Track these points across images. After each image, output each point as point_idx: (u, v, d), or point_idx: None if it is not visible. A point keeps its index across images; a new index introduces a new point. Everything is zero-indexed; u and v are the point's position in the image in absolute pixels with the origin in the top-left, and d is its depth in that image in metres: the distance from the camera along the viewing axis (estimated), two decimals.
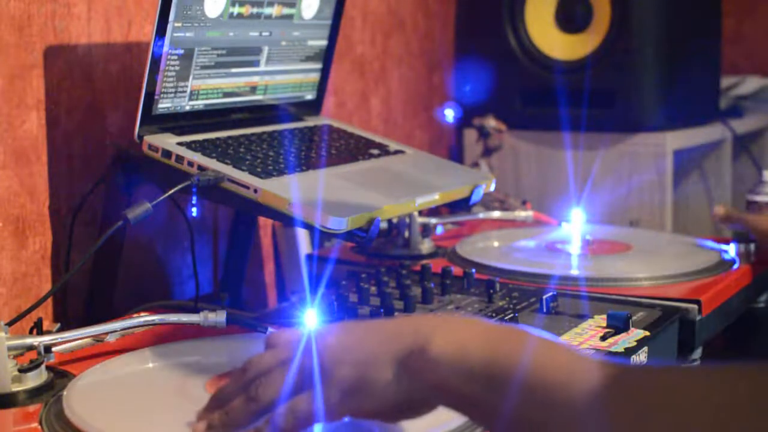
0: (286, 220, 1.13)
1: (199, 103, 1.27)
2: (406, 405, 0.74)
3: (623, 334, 1.04)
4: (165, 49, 1.17)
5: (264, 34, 1.32)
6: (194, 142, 1.20)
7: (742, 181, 2.16)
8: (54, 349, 0.98)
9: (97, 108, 1.31)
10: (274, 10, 1.31)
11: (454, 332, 0.73)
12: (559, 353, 0.71)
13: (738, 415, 0.62)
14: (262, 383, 0.75)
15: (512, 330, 0.73)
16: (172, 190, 1.11)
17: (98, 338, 1.04)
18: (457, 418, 0.78)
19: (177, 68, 1.21)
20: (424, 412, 0.75)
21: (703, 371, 0.69)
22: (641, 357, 1.02)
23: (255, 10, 1.28)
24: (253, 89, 1.34)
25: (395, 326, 0.76)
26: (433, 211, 1.65)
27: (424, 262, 1.32)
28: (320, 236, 1.50)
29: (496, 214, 1.59)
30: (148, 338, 1.05)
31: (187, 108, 1.25)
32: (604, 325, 1.06)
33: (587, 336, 1.04)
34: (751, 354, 1.40)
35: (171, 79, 1.20)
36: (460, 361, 0.71)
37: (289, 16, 1.34)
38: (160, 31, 1.16)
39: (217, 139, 1.24)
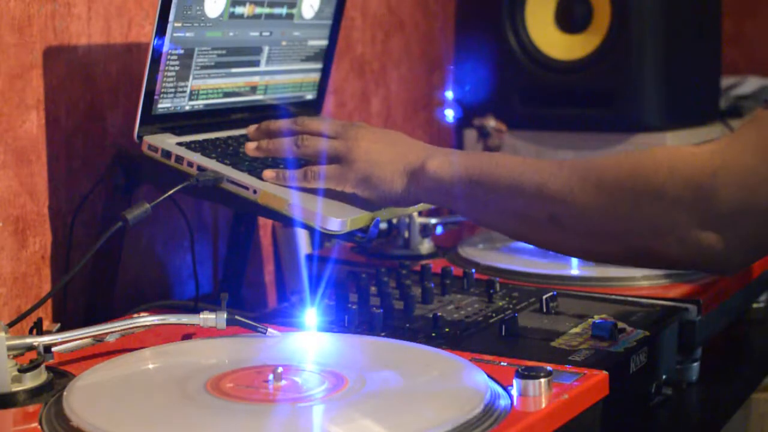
0: (285, 221, 1.13)
1: (199, 103, 1.27)
2: (400, 201, 1.09)
3: (623, 335, 1.04)
4: (165, 49, 1.17)
5: (264, 34, 1.32)
6: (194, 142, 1.20)
7: None
8: (54, 349, 0.98)
9: (97, 108, 1.31)
10: (275, 10, 1.31)
11: (443, 156, 1.06)
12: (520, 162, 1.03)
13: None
14: (307, 139, 1.13)
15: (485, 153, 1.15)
16: (172, 191, 1.11)
17: (98, 338, 1.04)
18: (457, 418, 0.78)
19: (177, 68, 1.21)
20: (408, 205, 1.11)
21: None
22: (641, 357, 1.02)
23: (255, 10, 1.28)
24: (254, 89, 1.34)
25: (408, 148, 1.09)
26: (433, 211, 1.65)
27: (424, 262, 1.32)
28: (320, 237, 1.50)
29: None
30: (148, 338, 1.05)
31: (187, 108, 1.25)
32: None
33: (587, 336, 1.04)
34: (750, 354, 1.40)
35: (171, 79, 1.20)
36: (452, 173, 1.04)
37: (290, 16, 1.35)
38: (160, 31, 1.16)
39: (217, 139, 1.24)
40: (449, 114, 1.94)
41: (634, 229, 0.94)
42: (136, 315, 1.14)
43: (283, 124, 1.16)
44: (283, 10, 1.33)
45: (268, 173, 1.12)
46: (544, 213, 0.98)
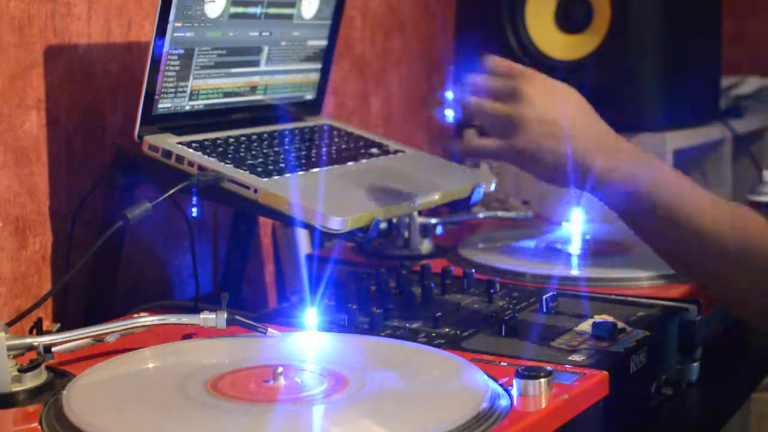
0: (285, 220, 1.13)
1: (200, 103, 1.27)
2: (559, 181, 1.05)
3: (623, 335, 1.04)
4: (165, 49, 1.17)
5: (264, 34, 1.32)
6: (194, 142, 1.20)
7: (742, 181, 2.16)
8: (54, 349, 0.98)
9: (97, 108, 1.31)
10: (274, 10, 1.31)
11: (612, 154, 1.03)
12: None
13: None
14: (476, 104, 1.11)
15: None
16: (172, 190, 1.11)
17: (98, 338, 1.04)
18: (457, 418, 0.78)
19: (177, 68, 1.21)
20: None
21: None
22: (641, 357, 1.02)
23: (255, 10, 1.28)
24: (253, 89, 1.34)
25: (592, 138, 1.05)
26: (433, 211, 1.65)
27: (424, 262, 1.32)
28: (320, 236, 1.50)
29: (497, 214, 1.59)
30: (148, 338, 1.05)
31: (187, 108, 1.25)
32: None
33: (587, 336, 1.04)
34: (750, 354, 1.40)
35: (171, 79, 1.20)
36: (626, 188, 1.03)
37: (289, 16, 1.34)
38: (160, 31, 1.16)
39: (217, 139, 1.24)
40: (449, 114, 1.93)
41: None
42: (136, 315, 1.14)
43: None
44: (283, 10, 1.33)
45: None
46: (746, 280, 0.99)
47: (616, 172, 1.03)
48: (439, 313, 1.09)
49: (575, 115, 1.05)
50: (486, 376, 0.88)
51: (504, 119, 1.06)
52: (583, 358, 0.97)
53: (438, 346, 0.99)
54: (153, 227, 1.38)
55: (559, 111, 1.04)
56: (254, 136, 1.28)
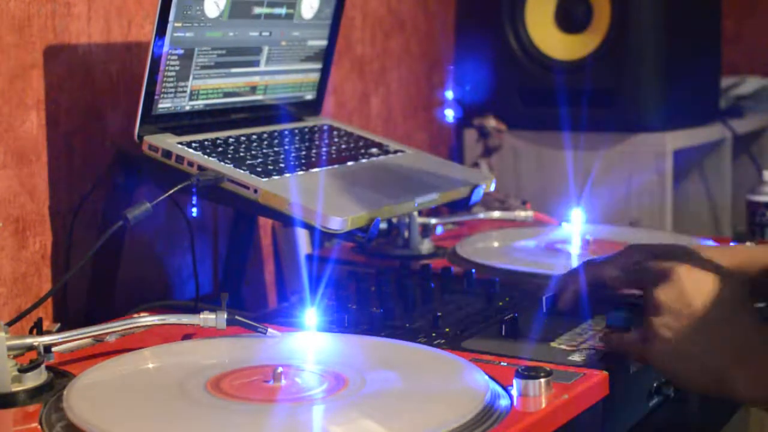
0: (286, 220, 1.13)
1: (199, 103, 1.27)
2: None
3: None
4: (165, 49, 1.17)
5: (264, 34, 1.32)
6: (194, 142, 1.20)
7: (742, 181, 2.16)
8: (54, 349, 0.98)
9: (97, 108, 1.31)
10: (274, 10, 1.31)
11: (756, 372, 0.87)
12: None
13: None
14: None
15: None
16: (172, 190, 1.11)
17: (98, 338, 1.04)
18: (457, 418, 0.78)
19: (177, 68, 1.21)
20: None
21: None
22: None
23: (255, 10, 1.28)
24: (253, 89, 1.34)
25: (716, 339, 0.89)
26: (433, 211, 1.65)
27: (424, 262, 1.32)
28: (320, 236, 1.50)
29: (496, 214, 1.59)
30: (148, 338, 1.05)
31: (187, 108, 1.25)
32: (604, 325, 1.06)
33: (587, 336, 1.04)
34: None
35: (171, 79, 1.20)
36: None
37: (289, 16, 1.35)
38: (160, 31, 1.16)
39: (217, 139, 1.24)
40: (449, 114, 1.94)
41: None
42: (136, 315, 1.13)
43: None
44: (283, 10, 1.33)
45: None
46: None
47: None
48: (439, 313, 1.09)
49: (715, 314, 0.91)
50: (486, 376, 0.88)
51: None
52: (583, 358, 0.97)
53: (438, 346, 0.99)
54: (153, 227, 1.38)
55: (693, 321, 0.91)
56: (254, 136, 1.28)
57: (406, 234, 1.42)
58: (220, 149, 1.20)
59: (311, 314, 1.03)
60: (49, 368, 0.92)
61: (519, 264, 1.31)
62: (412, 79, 2.02)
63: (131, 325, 1.01)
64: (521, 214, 1.58)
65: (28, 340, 0.93)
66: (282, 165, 1.20)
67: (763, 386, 0.84)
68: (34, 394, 0.88)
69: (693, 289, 0.91)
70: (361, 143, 1.38)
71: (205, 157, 1.16)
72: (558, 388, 0.86)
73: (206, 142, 1.21)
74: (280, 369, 0.87)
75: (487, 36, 2.03)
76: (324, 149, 1.31)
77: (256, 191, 1.12)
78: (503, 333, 1.04)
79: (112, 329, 1.00)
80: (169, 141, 1.18)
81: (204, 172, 1.13)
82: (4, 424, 0.84)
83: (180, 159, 1.16)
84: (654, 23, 1.83)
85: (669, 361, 0.91)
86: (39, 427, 0.82)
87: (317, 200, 1.11)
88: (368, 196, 1.18)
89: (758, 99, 2.29)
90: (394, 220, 1.43)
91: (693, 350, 0.89)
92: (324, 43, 1.43)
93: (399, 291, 1.18)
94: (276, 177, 1.16)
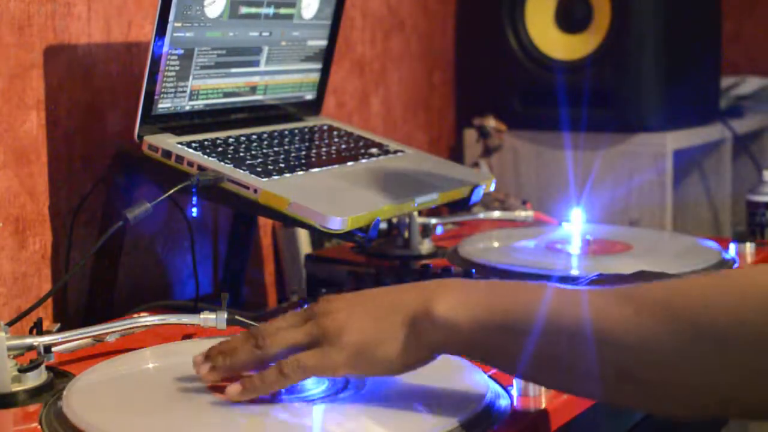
0: (285, 220, 1.13)
1: (199, 103, 1.27)
2: (407, 364, 0.80)
3: None
4: (165, 49, 1.17)
5: (264, 34, 1.32)
6: (194, 142, 1.20)
7: (742, 181, 2.16)
8: (54, 349, 0.98)
9: (97, 108, 1.31)
10: (274, 10, 1.31)
11: (454, 292, 0.79)
12: (564, 294, 0.76)
13: None
14: (270, 336, 0.82)
15: (510, 283, 0.80)
16: (172, 190, 1.11)
17: (98, 338, 1.04)
18: (457, 418, 0.78)
19: (177, 68, 1.21)
20: (420, 366, 0.81)
21: None
22: None
23: (255, 10, 1.28)
24: (253, 89, 1.34)
25: (397, 296, 0.81)
26: (433, 211, 1.65)
27: (424, 262, 1.32)
28: (320, 236, 1.50)
29: (496, 214, 1.59)
30: (148, 338, 1.05)
31: (187, 108, 1.25)
32: None
33: None
34: None
35: (171, 79, 1.20)
36: (470, 317, 0.77)
37: (289, 16, 1.35)
38: (160, 31, 1.16)
39: (217, 139, 1.24)
40: None
41: (732, 380, 0.71)
42: (136, 315, 1.14)
43: (234, 338, 0.86)
44: (283, 10, 1.33)
45: (231, 390, 0.82)
46: (610, 367, 0.73)
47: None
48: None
49: (377, 292, 0.85)
50: (486, 376, 0.88)
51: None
52: None
53: None
54: (153, 227, 1.38)
55: (361, 300, 0.84)
56: (254, 136, 1.28)
57: (406, 234, 1.42)
58: (220, 149, 1.20)
59: None
60: (49, 368, 0.92)
61: (519, 264, 1.31)
62: (412, 79, 2.02)
63: (131, 325, 1.01)
64: (521, 214, 1.58)
65: (28, 340, 0.93)
66: (282, 165, 1.20)
67: (464, 304, 0.78)
68: (34, 394, 0.88)
69: (344, 295, 0.85)
70: (361, 143, 1.38)
71: (205, 157, 1.16)
72: None
73: (206, 142, 1.21)
74: None
75: (487, 36, 2.03)
76: (324, 149, 1.31)
77: (256, 191, 1.12)
78: None
79: (112, 329, 1.00)
80: (169, 141, 1.18)
81: (204, 172, 1.13)
82: (4, 424, 0.84)
83: (180, 159, 1.16)
84: (654, 23, 1.83)
85: (356, 336, 0.80)
86: (39, 427, 0.82)
87: (317, 200, 1.11)
88: (368, 196, 1.18)
89: (758, 99, 2.29)
90: (394, 220, 1.42)
91: (381, 308, 0.81)
92: (324, 43, 1.43)
93: None
94: (276, 177, 1.16)
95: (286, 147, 1.27)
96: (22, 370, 0.88)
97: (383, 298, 0.82)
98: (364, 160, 1.32)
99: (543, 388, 0.83)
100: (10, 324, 1.03)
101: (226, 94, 1.30)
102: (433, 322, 0.78)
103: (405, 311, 0.79)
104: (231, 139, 1.25)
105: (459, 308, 0.77)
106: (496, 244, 1.46)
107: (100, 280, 1.27)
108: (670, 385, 0.72)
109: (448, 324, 0.77)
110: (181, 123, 1.24)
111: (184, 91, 1.23)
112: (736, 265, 1.32)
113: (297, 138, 1.33)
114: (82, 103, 1.29)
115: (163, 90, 1.20)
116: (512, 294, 0.78)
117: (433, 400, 0.84)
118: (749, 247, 1.39)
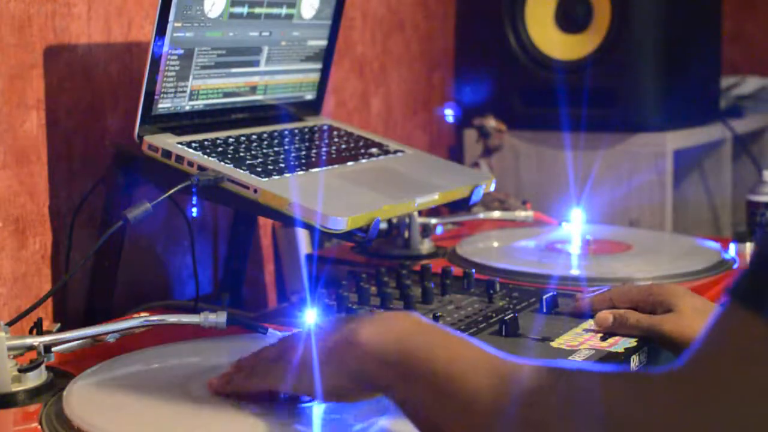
0: (286, 220, 1.13)
1: (199, 103, 1.27)
2: (338, 391, 0.78)
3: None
4: (165, 49, 1.17)
5: (264, 34, 1.32)
6: (194, 142, 1.20)
7: (742, 181, 2.16)
8: (54, 349, 0.98)
9: (97, 108, 1.31)
10: (274, 10, 1.31)
11: (378, 325, 0.77)
12: (466, 349, 0.73)
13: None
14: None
15: (425, 325, 0.77)
16: (172, 190, 1.11)
17: (98, 338, 1.04)
18: None
19: (177, 68, 1.21)
20: (354, 399, 0.79)
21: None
22: (641, 357, 1.02)
23: (255, 10, 1.28)
24: (253, 89, 1.34)
25: (350, 322, 0.79)
26: (433, 211, 1.65)
27: (424, 262, 1.32)
28: (320, 236, 1.50)
29: (496, 214, 1.59)
30: (148, 338, 1.05)
31: (187, 108, 1.25)
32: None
33: (587, 336, 1.04)
34: None
35: (171, 79, 1.20)
36: (378, 350, 0.75)
37: (289, 16, 1.35)
38: (160, 31, 1.16)
39: (217, 139, 1.24)
40: (449, 114, 1.94)
41: None
42: (136, 315, 1.13)
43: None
44: (283, 10, 1.33)
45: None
46: None
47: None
48: (440, 313, 1.09)
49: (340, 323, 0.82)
50: None
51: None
52: (583, 358, 0.97)
53: None
54: (153, 227, 1.39)
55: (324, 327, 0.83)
56: (254, 136, 1.28)
57: (406, 234, 1.42)
58: (220, 149, 1.20)
59: (311, 314, 1.03)
60: (49, 368, 0.92)
61: (519, 264, 1.31)
62: (412, 79, 2.02)
63: (131, 325, 1.01)
64: (521, 214, 1.58)
65: (28, 340, 0.93)
66: (282, 165, 1.20)
67: (376, 332, 0.76)
68: (34, 394, 0.88)
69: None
70: (361, 143, 1.38)
71: (205, 157, 1.16)
72: None
73: (206, 142, 1.21)
74: None
75: (487, 36, 2.03)
76: (324, 149, 1.31)
77: (256, 191, 1.12)
78: (503, 333, 1.04)
79: (112, 329, 1.00)
80: (168, 141, 1.18)
81: (204, 172, 1.13)
82: (4, 424, 0.84)
83: (180, 159, 1.16)
84: (654, 23, 1.83)
85: (301, 353, 0.80)
86: (39, 427, 0.82)
87: (317, 200, 1.11)
88: (368, 196, 1.18)
89: (758, 99, 2.29)
90: (394, 220, 1.43)
91: (328, 329, 0.81)
92: (324, 43, 1.43)
93: (399, 291, 1.18)
94: (276, 177, 1.16)
95: (286, 147, 1.27)
96: (22, 370, 0.88)
97: (340, 323, 0.80)
98: (364, 160, 1.32)
99: None
100: (10, 324, 1.03)
101: (226, 94, 1.30)
102: (351, 350, 0.76)
103: (341, 335, 0.78)
104: (231, 139, 1.25)
105: (379, 337, 0.76)
106: (496, 244, 1.47)
107: (100, 280, 1.27)
108: None
109: (367, 350, 0.75)
110: (181, 123, 1.24)
111: (184, 91, 1.23)
112: (736, 265, 1.32)
113: (297, 138, 1.33)
114: (82, 103, 1.29)
115: (163, 90, 1.20)
116: (429, 334, 0.75)
117: None
118: (749, 247, 1.39)
